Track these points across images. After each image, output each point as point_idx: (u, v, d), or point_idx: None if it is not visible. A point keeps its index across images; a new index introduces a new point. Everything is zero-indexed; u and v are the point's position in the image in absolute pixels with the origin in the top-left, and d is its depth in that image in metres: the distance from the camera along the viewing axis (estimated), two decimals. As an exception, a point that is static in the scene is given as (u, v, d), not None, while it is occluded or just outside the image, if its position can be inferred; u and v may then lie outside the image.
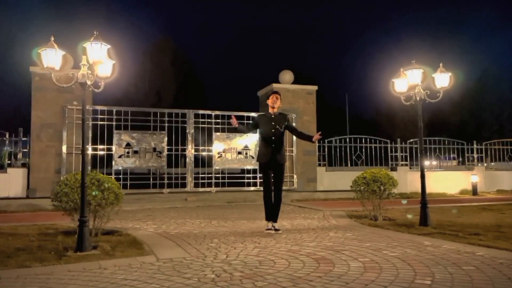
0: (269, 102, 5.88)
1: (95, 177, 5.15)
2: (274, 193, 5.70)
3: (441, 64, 6.36)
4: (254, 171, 11.53)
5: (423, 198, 6.13)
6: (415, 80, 6.23)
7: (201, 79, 29.96)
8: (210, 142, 11.16)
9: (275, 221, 5.72)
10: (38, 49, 4.54)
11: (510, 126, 30.30)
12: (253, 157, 11.46)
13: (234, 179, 11.73)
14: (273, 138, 5.70)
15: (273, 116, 5.80)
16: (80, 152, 5.01)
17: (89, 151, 9.84)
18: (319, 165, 12.27)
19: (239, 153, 11.42)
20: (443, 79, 6.28)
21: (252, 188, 11.35)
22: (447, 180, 13.16)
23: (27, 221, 6.83)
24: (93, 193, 4.94)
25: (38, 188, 9.52)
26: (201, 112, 11.23)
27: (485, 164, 14.82)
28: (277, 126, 5.72)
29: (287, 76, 12.36)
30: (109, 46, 4.50)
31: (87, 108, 9.36)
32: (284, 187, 11.98)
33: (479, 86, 29.95)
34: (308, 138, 5.96)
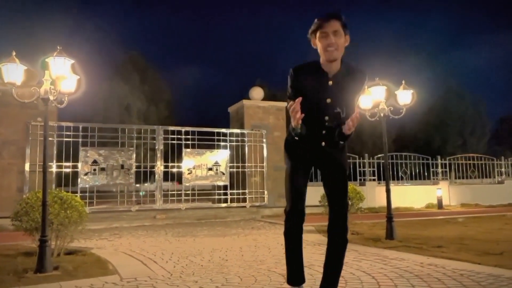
0: (322, 44, 2.57)
1: (58, 195, 5.00)
2: (335, 222, 2.75)
3: (403, 82, 6.59)
4: (225, 187, 11.50)
5: (389, 212, 6.26)
6: (379, 97, 6.42)
7: (171, 95, 29.81)
8: (180, 158, 11.08)
9: None
10: (-2, 64, 4.43)
11: (472, 142, 31.53)
12: (223, 173, 11.43)
13: (204, 195, 11.64)
14: (325, 118, 2.66)
15: (331, 78, 2.62)
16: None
17: (54, 169, 9.57)
18: (290, 180, 12.33)
19: (210, 169, 11.37)
20: (405, 96, 6.51)
21: (223, 205, 11.30)
22: (413, 194, 13.49)
23: (-14, 242, 6.52)
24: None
25: (-1, 208, 9.14)
26: (170, 128, 11.18)
27: (449, 179, 15.29)
28: (337, 104, 2.64)
29: (257, 92, 12.50)
30: (73, 61, 4.43)
31: (52, 124, 9.18)
32: (255, 203, 12.18)
33: (442, 103, 31.14)
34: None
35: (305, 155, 2.76)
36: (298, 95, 2.55)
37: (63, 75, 4.34)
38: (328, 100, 2.62)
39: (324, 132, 2.69)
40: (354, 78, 2.65)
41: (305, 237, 6.69)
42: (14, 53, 4.44)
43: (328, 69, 2.62)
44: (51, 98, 4.45)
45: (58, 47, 4.30)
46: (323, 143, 2.71)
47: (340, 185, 2.75)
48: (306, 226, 7.91)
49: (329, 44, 2.54)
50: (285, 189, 2.85)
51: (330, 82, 2.61)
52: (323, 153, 2.73)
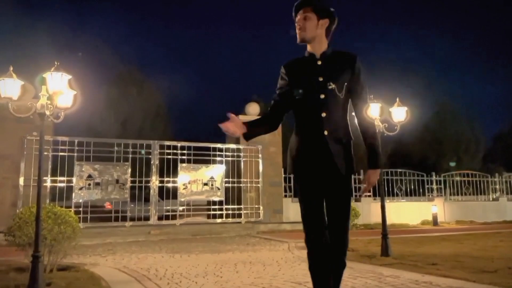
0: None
1: (52, 210, 4.98)
2: (331, 241, 2.52)
3: (397, 99, 6.67)
4: (221, 202, 11.45)
5: (384, 229, 6.26)
6: (374, 113, 6.48)
7: (168, 110, 29.83)
8: (175, 173, 11.05)
9: None
10: (-5, 79, 4.45)
11: (467, 159, 31.65)
12: (219, 188, 11.40)
13: (199, 211, 11.58)
14: (321, 97, 2.57)
15: (318, 58, 2.64)
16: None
17: (48, 184, 9.51)
18: (285, 196, 12.32)
19: (205, 184, 11.33)
20: (399, 113, 6.58)
21: (218, 220, 11.23)
22: (408, 211, 13.49)
23: (-23, 257, 6.44)
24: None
25: (-8, 222, 9.05)
26: (166, 143, 11.17)
27: (444, 196, 15.33)
28: (330, 79, 2.59)
29: (253, 108, 12.54)
30: (70, 77, 4.46)
31: (47, 139, 9.15)
32: (251, 219, 12.12)
33: (437, 120, 31.35)
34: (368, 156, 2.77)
35: (306, 158, 2.59)
36: (289, 87, 2.66)
37: (60, 90, 4.37)
38: (320, 78, 2.60)
39: (324, 115, 2.56)
40: (343, 57, 2.67)
41: (301, 253, 6.62)
42: (11, 68, 4.47)
43: (314, 50, 2.66)
44: (48, 113, 4.47)
45: (56, 63, 4.33)
46: (326, 132, 2.54)
47: (343, 202, 2.54)
48: (301, 243, 7.82)
49: (296, 26, 2.63)
50: (303, 214, 2.59)
51: (319, 62, 2.63)
52: (325, 151, 2.53)
